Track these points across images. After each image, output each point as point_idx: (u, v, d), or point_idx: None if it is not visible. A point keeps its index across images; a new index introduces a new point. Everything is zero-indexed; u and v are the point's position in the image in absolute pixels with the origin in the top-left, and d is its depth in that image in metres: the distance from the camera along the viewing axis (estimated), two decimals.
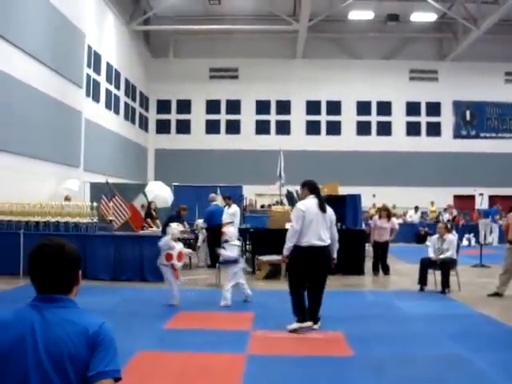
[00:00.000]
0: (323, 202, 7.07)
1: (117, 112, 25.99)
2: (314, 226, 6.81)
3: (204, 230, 14.48)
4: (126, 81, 27.39)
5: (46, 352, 1.97)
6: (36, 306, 2.07)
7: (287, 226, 13.29)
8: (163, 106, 32.21)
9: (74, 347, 1.99)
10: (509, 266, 9.95)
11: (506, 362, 5.67)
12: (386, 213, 13.31)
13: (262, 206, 25.60)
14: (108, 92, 24.50)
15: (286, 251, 6.93)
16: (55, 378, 1.95)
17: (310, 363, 5.62)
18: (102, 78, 23.57)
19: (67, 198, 15.69)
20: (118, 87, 26.01)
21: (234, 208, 14.83)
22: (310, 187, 7.17)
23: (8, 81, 15.35)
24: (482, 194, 20.38)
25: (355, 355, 5.93)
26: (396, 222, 14.85)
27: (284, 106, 31.80)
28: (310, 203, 6.97)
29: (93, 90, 22.39)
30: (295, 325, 6.88)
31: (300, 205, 7.06)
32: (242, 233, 12.54)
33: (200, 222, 14.91)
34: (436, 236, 10.81)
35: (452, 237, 10.65)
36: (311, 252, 6.79)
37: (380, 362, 5.69)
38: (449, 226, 12.21)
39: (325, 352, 6.06)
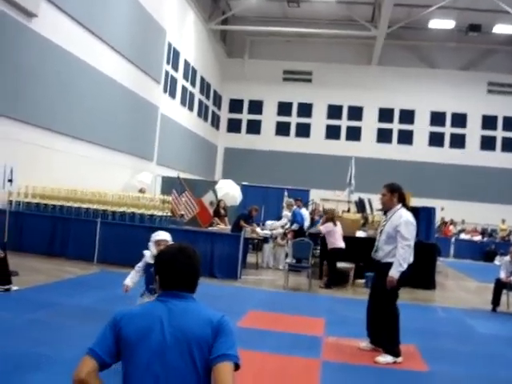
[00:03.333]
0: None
1: (191, 109, 26.49)
2: (413, 244, 6.01)
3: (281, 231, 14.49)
4: (202, 79, 27.86)
5: (173, 339, 2.13)
6: (163, 301, 2.24)
7: (358, 234, 13.26)
8: (235, 106, 32.56)
9: (200, 332, 2.14)
10: None
11: None
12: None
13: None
14: (184, 89, 25.00)
15: (397, 273, 5.85)
16: (179, 361, 2.10)
17: (384, 374, 5.58)
18: (179, 75, 24.08)
19: (141, 191, 16.10)
20: (193, 84, 26.50)
21: (304, 211, 14.87)
22: (401, 195, 6.18)
23: (95, 75, 15.94)
24: None
25: (430, 371, 5.84)
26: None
27: (356, 112, 31.52)
28: (411, 215, 6.04)
29: (170, 86, 22.90)
30: (391, 358, 5.95)
31: (411, 217, 6.01)
32: (313, 238, 12.54)
33: (278, 224, 14.92)
34: (508, 258, 10.47)
35: None
36: (410, 271, 6.02)
37: (456, 380, 5.58)
38: None
39: (399, 365, 5.99)
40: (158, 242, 5.10)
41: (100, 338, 2.18)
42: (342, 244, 11.48)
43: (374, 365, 5.88)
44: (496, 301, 10.21)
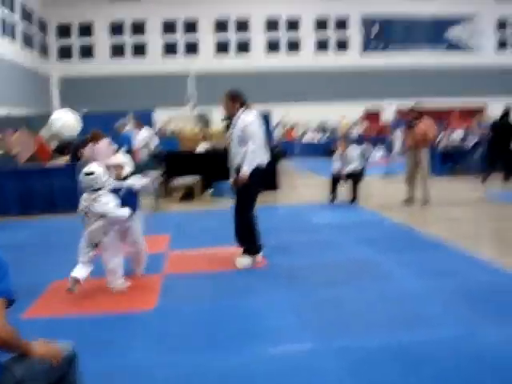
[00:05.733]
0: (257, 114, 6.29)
1: (13, 38, 24.35)
2: (262, 143, 6.19)
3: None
4: (22, 5, 25.52)
5: None
6: None
7: (198, 148, 13.31)
8: (64, 31, 30.47)
9: None
10: (409, 170, 10.60)
11: (411, 261, 6.09)
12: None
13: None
14: (1, 18, 22.81)
15: (245, 174, 5.97)
16: None
17: (224, 277, 5.79)
18: None
19: None
20: (12, 11, 24.24)
21: (146, 131, 14.48)
22: (242, 99, 6.21)
23: None
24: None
25: (269, 266, 6.15)
26: None
27: (191, 26, 30.90)
28: (255, 115, 6.16)
29: None
30: (249, 259, 6.24)
31: (253, 117, 6.10)
32: (155, 157, 12.38)
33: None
34: (339, 151, 11.06)
35: (352, 150, 10.99)
36: (263, 172, 6.19)
37: (292, 270, 5.94)
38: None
39: (235, 266, 6.23)
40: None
41: None
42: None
43: (214, 270, 6.08)
44: (333, 193, 10.88)
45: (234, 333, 4.19)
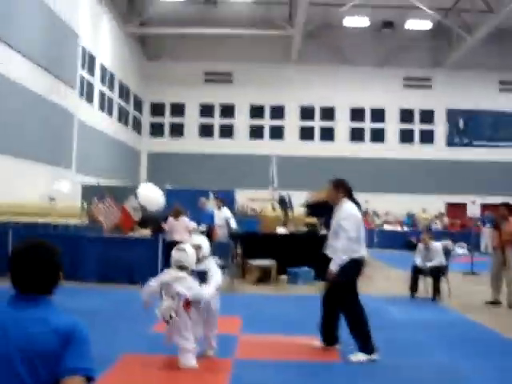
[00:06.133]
0: (360, 206, 6.21)
1: (110, 114, 25.91)
2: (360, 236, 6.00)
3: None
4: (121, 83, 27.31)
5: (16, 347, 1.95)
6: (12, 305, 2.06)
7: (278, 230, 13.29)
8: (157, 109, 32.17)
9: (46, 344, 1.96)
10: (494, 271, 10.03)
11: (492, 368, 5.64)
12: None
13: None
14: (102, 94, 24.42)
15: (336, 265, 5.80)
16: (23, 372, 1.92)
17: (298, 368, 5.55)
18: (96, 80, 23.49)
19: (52, 199, 15.56)
20: (111, 89, 25.93)
21: (226, 211, 14.71)
22: (347, 188, 6.12)
23: (3, 83, 15.25)
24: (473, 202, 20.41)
25: (343, 361, 5.85)
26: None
27: (278, 111, 31.81)
28: (356, 208, 6.04)
29: (86, 92, 22.30)
30: (364, 356, 5.83)
31: (353, 209, 5.99)
32: (233, 236, 12.46)
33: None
34: (421, 244, 10.74)
35: (437, 244, 10.64)
36: (363, 265, 6.07)
37: (369, 368, 5.62)
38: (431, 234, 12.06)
39: (312, 357, 5.97)
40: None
41: None
42: (178, 237, 10.86)
43: (288, 359, 5.84)
44: (413, 287, 10.47)
45: None
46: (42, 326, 1.99)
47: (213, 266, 5.67)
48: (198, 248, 5.63)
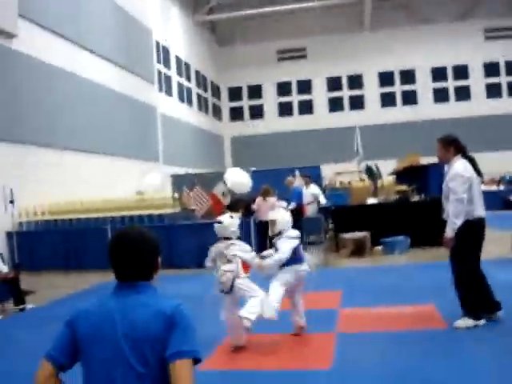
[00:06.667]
0: (476, 163, 5.74)
1: (190, 104, 26.41)
2: (479, 195, 5.63)
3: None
4: (196, 72, 27.74)
5: (123, 335, 2.00)
6: (116, 293, 2.11)
7: (369, 201, 13.09)
8: (235, 94, 32.42)
9: (151, 329, 1.99)
10: None
11: None
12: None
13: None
14: (180, 85, 24.92)
15: (451, 231, 5.49)
16: (132, 359, 1.97)
17: (402, 338, 5.45)
18: (172, 72, 23.98)
19: (140, 193, 16.07)
20: (189, 79, 26.40)
21: (313, 187, 14.66)
22: (458, 146, 5.76)
23: (87, 86, 15.91)
24: None
25: (449, 328, 5.70)
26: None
27: (356, 81, 31.17)
28: (467, 166, 5.60)
29: (165, 85, 22.82)
30: (472, 322, 5.61)
31: (461, 169, 5.54)
32: (323, 211, 12.41)
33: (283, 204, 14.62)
34: None
35: None
36: (483, 227, 5.67)
37: (479, 333, 5.44)
38: None
39: (417, 326, 5.86)
40: None
41: (56, 339, 2.09)
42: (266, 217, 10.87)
43: (391, 330, 5.76)
44: None
45: None
46: (146, 311, 2.03)
47: (284, 242, 5.65)
48: (272, 222, 5.75)
